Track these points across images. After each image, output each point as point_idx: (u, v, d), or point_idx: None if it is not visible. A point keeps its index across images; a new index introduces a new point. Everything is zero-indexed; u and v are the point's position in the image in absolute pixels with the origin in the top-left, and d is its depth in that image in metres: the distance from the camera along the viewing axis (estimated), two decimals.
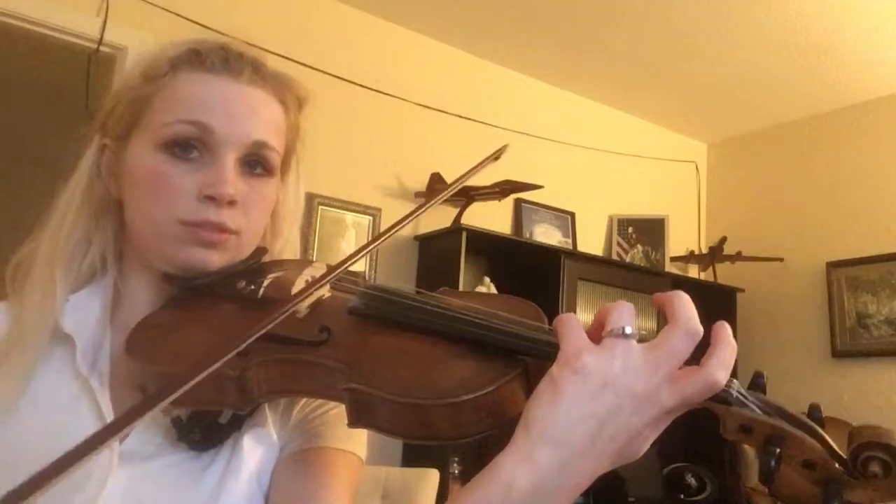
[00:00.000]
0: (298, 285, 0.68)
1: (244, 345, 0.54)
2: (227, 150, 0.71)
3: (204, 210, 0.70)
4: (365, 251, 0.65)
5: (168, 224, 0.70)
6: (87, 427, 0.66)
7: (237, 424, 0.70)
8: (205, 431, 0.68)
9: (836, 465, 0.52)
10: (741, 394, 0.54)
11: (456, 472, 2.83)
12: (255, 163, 0.74)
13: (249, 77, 0.74)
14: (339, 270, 0.62)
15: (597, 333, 0.54)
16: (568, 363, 0.51)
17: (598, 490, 3.19)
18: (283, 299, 0.60)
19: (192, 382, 0.50)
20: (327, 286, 0.68)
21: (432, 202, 0.73)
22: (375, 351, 0.61)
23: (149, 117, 0.73)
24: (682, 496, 3.57)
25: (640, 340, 0.53)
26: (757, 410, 0.54)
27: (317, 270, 0.72)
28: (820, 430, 0.54)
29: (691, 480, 3.59)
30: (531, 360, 0.58)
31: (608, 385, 0.50)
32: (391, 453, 2.94)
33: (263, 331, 0.55)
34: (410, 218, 0.70)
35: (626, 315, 0.53)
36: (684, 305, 0.53)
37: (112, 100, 0.77)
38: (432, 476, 2.20)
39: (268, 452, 0.71)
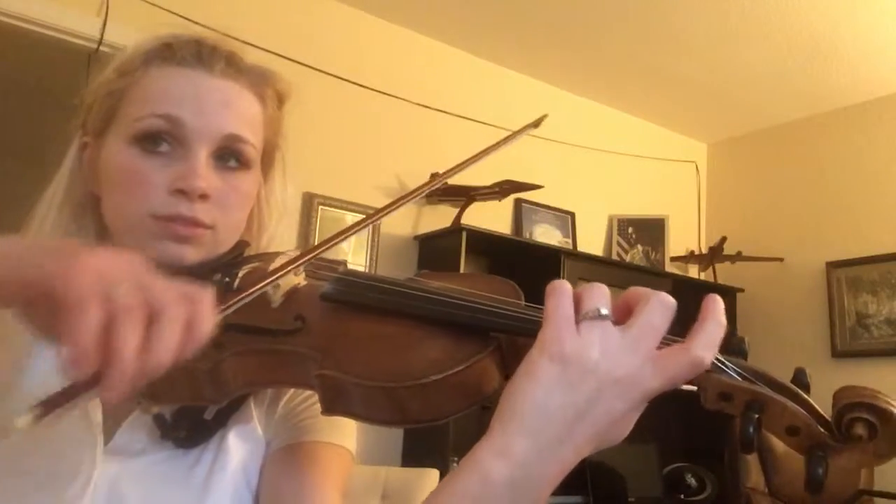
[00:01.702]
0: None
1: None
2: (198, 144, 0.70)
3: (175, 204, 0.69)
4: (338, 239, 0.63)
5: (140, 218, 0.70)
6: (73, 424, 0.67)
7: (223, 421, 0.70)
8: (190, 428, 0.68)
9: (821, 430, 0.50)
10: (719, 360, 0.52)
11: None
12: (229, 156, 0.73)
13: (223, 70, 0.73)
14: (304, 259, 0.60)
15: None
16: (545, 349, 0.50)
17: (598, 490, 3.19)
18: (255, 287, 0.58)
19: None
20: (302, 275, 0.67)
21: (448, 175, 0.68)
22: (348, 336, 0.60)
23: (122, 112, 0.73)
24: (682, 496, 3.57)
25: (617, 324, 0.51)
26: (736, 377, 0.52)
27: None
28: (803, 394, 0.52)
29: (691, 480, 3.59)
30: (504, 336, 0.56)
31: (588, 372, 0.49)
32: (391, 453, 2.94)
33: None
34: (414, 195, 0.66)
35: (599, 296, 0.51)
36: (642, 288, 0.52)
37: (90, 96, 0.77)
38: (432, 476, 2.20)
39: (254, 448, 0.71)
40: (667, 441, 3.47)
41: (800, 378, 0.53)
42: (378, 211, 0.64)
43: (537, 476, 0.49)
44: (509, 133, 0.67)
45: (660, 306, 0.51)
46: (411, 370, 0.54)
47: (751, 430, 0.50)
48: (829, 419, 0.51)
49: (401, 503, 2.11)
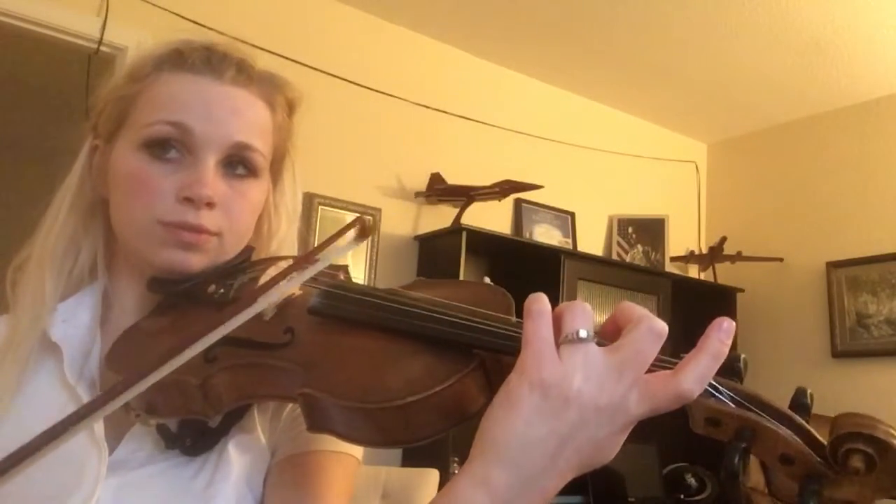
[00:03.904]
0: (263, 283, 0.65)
1: (180, 355, 0.50)
2: (206, 151, 0.70)
3: (182, 211, 0.69)
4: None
5: (147, 224, 0.70)
6: (76, 437, 0.66)
7: (226, 429, 0.69)
8: (195, 436, 0.68)
9: (818, 460, 0.47)
10: (710, 382, 0.48)
11: (456, 472, 2.83)
12: (237, 164, 0.73)
13: (233, 77, 0.73)
14: (285, 277, 0.57)
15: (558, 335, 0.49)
16: (525, 375, 0.47)
17: (598, 490, 3.19)
18: (248, 300, 0.57)
19: (141, 383, 0.48)
20: (297, 285, 0.66)
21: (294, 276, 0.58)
22: (332, 352, 0.59)
23: (133, 117, 0.73)
24: (682, 496, 3.57)
25: (601, 344, 0.48)
26: (726, 401, 0.49)
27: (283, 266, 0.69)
28: (799, 420, 0.48)
29: (691, 480, 3.59)
30: (488, 354, 0.54)
31: (570, 400, 0.46)
32: (391, 453, 2.93)
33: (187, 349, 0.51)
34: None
35: (579, 317, 0.49)
36: (635, 308, 0.49)
37: (102, 100, 0.77)
38: (432, 476, 2.20)
39: (257, 457, 0.70)
40: (667, 441, 3.47)
41: (799, 400, 0.50)
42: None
43: None
44: (329, 249, 0.57)
45: (649, 334, 0.48)
46: (389, 390, 0.52)
47: (736, 460, 0.47)
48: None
49: (401, 503, 2.11)
